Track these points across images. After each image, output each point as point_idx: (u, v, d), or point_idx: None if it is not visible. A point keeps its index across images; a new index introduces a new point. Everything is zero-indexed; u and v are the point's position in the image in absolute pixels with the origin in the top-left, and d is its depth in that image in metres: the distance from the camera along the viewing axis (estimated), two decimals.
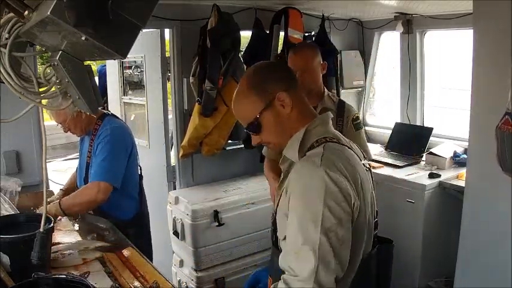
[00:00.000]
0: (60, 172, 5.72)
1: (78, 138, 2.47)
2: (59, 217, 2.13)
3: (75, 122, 2.21)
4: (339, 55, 3.79)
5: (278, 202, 1.34)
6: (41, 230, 1.38)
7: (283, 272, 1.20)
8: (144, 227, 2.47)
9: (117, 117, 2.45)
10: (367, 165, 1.36)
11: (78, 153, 2.51)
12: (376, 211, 1.37)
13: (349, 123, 2.25)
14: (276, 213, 1.36)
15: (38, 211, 2.10)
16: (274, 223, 1.37)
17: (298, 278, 1.14)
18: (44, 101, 1.11)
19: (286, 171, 1.33)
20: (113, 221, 2.19)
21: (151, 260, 2.32)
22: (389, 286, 1.50)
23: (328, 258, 1.12)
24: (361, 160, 1.32)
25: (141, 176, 2.45)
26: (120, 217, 2.27)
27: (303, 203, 1.17)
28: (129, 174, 2.29)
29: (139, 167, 2.43)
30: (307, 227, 1.14)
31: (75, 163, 2.63)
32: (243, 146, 3.35)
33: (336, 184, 1.15)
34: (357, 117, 2.30)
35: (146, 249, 2.37)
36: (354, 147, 1.36)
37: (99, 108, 2.44)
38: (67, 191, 2.41)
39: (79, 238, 1.99)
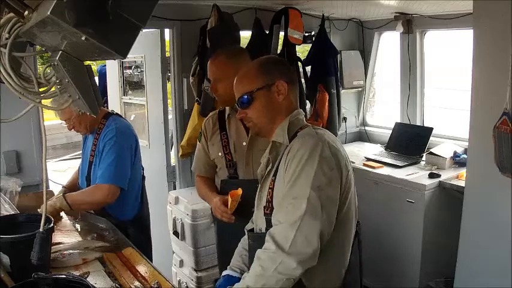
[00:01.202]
0: (60, 172, 5.72)
1: (79, 138, 2.48)
2: (61, 213, 2.14)
3: (80, 120, 2.21)
4: (339, 55, 3.80)
5: (271, 192, 1.39)
6: (41, 230, 1.38)
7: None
8: (145, 227, 2.46)
9: (122, 117, 2.45)
10: None
11: (78, 153, 2.51)
12: None
13: None
14: (269, 203, 1.39)
15: (40, 211, 2.09)
16: (270, 213, 1.38)
17: (283, 224, 1.24)
18: (45, 101, 1.11)
19: (274, 158, 1.43)
20: (114, 221, 2.19)
21: (150, 260, 2.33)
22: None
23: (317, 210, 1.23)
24: None
25: (143, 177, 2.45)
26: (122, 217, 2.27)
27: (297, 166, 1.28)
28: (133, 175, 2.29)
29: (142, 168, 2.43)
30: (301, 184, 1.26)
31: (75, 163, 2.63)
32: None
33: (330, 150, 1.30)
34: None
35: (145, 249, 2.34)
36: None
37: (104, 108, 2.43)
38: (69, 188, 2.41)
39: (79, 238, 1.99)
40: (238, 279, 1.49)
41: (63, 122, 2.25)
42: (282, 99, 1.41)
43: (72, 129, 2.29)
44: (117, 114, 2.40)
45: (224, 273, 1.58)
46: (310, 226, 1.21)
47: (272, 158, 1.43)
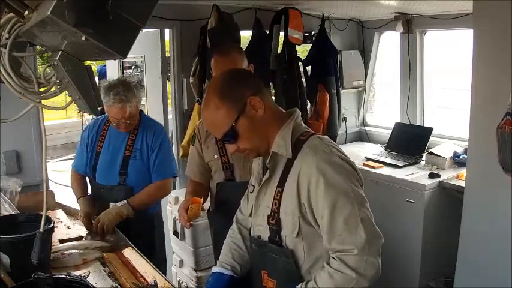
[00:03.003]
0: (60, 172, 5.72)
1: (79, 139, 2.46)
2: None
3: (129, 118, 2.21)
4: (339, 55, 3.79)
5: (277, 203, 1.35)
6: (41, 230, 1.38)
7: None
8: (162, 220, 2.57)
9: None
10: None
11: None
12: None
13: None
14: (276, 214, 1.36)
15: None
16: (276, 224, 1.36)
17: (353, 251, 1.24)
18: (45, 101, 1.11)
19: (273, 167, 1.36)
20: (141, 215, 2.24)
21: (164, 250, 2.51)
22: None
23: (372, 228, 1.26)
24: None
25: None
26: (152, 210, 2.39)
27: (332, 188, 1.25)
28: None
29: None
30: (345, 206, 1.24)
31: None
32: None
33: (350, 164, 1.30)
34: None
35: (163, 241, 2.55)
36: None
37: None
38: (90, 197, 2.33)
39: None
40: (229, 277, 1.48)
41: (124, 120, 2.19)
42: (262, 112, 1.30)
43: (123, 127, 2.24)
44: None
45: (214, 269, 1.52)
46: (376, 243, 1.26)
47: (270, 168, 1.36)
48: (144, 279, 1.64)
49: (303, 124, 1.41)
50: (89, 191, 2.38)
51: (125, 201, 2.16)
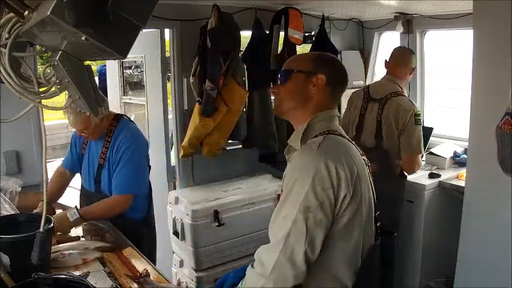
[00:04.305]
0: None
1: None
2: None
3: (96, 128, 2.18)
4: (339, 55, 3.79)
5: (277, 199, 1.38)
6: (41, 230, 1.38)
7: None
8: (153, 226, 2.51)
9: (130, 119, 2.43)
10: (366, 161, 1.42)
11: None
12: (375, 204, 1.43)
13: None
14: None
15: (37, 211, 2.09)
16: None
17: (269, 244, 1.24)
18: (45, 101, 1.11)
19: (289, 160, 1.41)
20: (128, 222, 2.21)
21: (155, 258, 2.37)
22: (394, 275, 1.58)
23: (300, 235, 1.20)
24: (362, 155, 1.39)
25: None
26: (134, 217, 2.30)
27: (293, 182, 1.24)
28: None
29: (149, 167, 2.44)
30: (291, 203, 1.23)
31: None
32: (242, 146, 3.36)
33: (328, 170, 1.21)
34: None
35: (154, 247, 2.45)
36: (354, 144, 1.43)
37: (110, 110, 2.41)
38: (51, 202, 2.26)
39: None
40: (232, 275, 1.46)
41: (79, 131, 2.20)
42: (314, 92, 1.37)
43: (83, 135, 2.25)
44: (124, 116, 2.39)
45: None
46: (293, 248, 1.20)
47: (288, 159, 1.42)
48: (140, 274, 1.65)
49: (334, 126, 1.38)
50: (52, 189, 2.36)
51: (77, 214, 2.03)
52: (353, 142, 1.40)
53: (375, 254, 1.39)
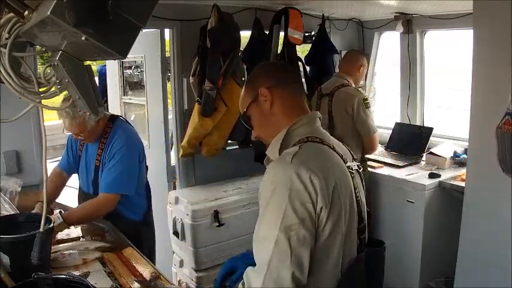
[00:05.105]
0: None
1: None
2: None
3: (92, 132, 2.18)
4: (337, 55, 3.79)
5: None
6: (41, 230, 1.38)
7: None
8: (153, 227, 2.51)
9: (126, 120, 2.43)
10: (355, 168, 1.34)
11: None
12: (368, 212, 1.37)
13: None
14: None
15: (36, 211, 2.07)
16: None
17: (256, 266, 1.18)
18: (45, 101, 1.11)
19: None
20: (126, 223, 2.21)
21: (154, 258, 2.37)
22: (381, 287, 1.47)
23: (284, 256, 1.12)
24: (345, 162, 1.30)
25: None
26: (133, 218, 2.30)
27: (268, 199, 1.17)
28: (141, 176, 2.31)
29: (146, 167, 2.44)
30: (269, 222, 1.15)
31: None
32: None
33: (303, 183, 1.14)
34: None
35: (153, 248, 2.45)
36: (341, 149, 1.35)
37: (106, 112, 2.41)
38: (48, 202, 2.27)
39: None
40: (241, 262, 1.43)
41: (75, 135, 2.19)
42: (269, 106, 1.32)
43: (78, 138, 2.23)
44: (121, 117, 2.39)
45: None
46: (278, 272, 1.13)
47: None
48: (144, 279, 1.64)
49: (316, 130, 1.32)
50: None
51: (61, 219, 1.98)
52: (335, 149, 1.29)
53: (357, 267, 1.30)
